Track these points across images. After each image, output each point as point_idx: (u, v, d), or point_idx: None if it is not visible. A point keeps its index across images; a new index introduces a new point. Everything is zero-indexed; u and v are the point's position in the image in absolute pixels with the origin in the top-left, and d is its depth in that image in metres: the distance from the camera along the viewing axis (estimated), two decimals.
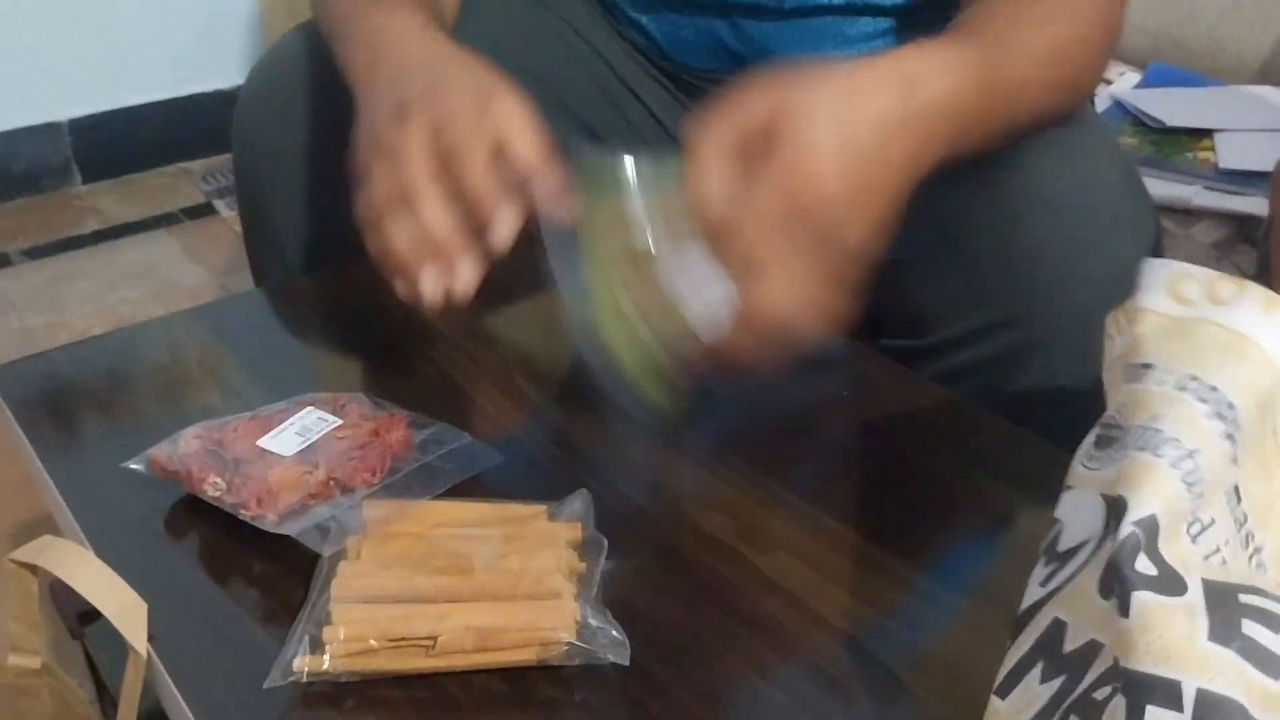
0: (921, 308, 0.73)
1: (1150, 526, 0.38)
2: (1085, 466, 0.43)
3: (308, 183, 0.86)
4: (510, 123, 0.61)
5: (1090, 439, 0.45)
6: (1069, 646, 0.41)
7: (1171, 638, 0.36)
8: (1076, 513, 0.42)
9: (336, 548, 0.53)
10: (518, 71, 0.87)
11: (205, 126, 2.34)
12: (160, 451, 0.60)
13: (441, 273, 0.60)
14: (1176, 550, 0.39)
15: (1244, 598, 0.38)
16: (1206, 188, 1.08)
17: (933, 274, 0.72)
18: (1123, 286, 0.67)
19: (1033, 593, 0.44)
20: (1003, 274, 0.68)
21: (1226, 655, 0.36)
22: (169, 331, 0.81)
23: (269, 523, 0.55)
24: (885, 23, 0.84)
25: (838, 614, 0.54)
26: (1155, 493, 0.39)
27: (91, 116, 2.22)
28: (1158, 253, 0.72)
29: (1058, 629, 0.41)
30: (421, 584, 0.51)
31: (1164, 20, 1.36)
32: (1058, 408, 0.64)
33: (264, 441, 0.60)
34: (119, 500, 0.61)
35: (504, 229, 0.61)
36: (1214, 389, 0.40)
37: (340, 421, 0.61)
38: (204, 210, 2.16)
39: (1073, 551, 0.43)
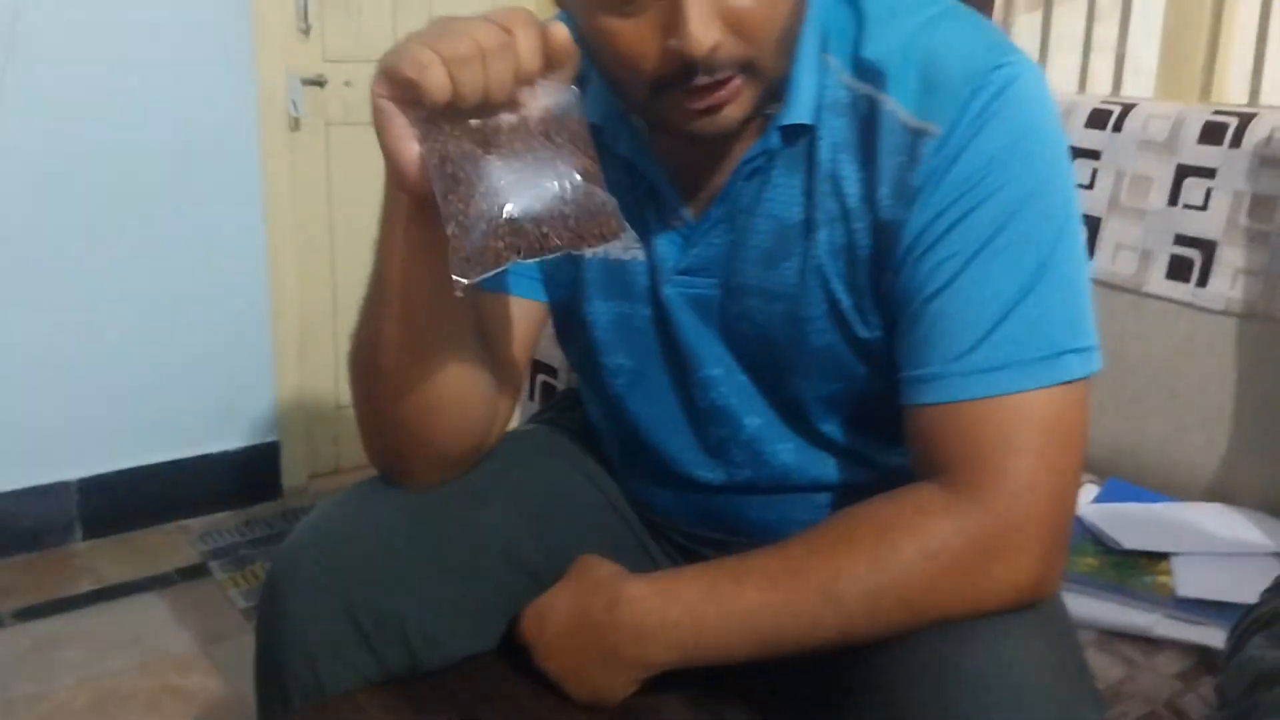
0: None
1: None
2: None
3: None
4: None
5: None
6: None
7: None
8: None
9: None
10: (537, 516, 0.95)
11: (208, 486, 2.42)
12: None
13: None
14: None
15: None
16: (1166, 616, 1.12)
17: None
18: None
19: None
20: None
21: None
22: None
23: None
24: (847, 496, 0.92)
25: None
26: None
27: (99, 476, 2.31)
28: None
29: None
30: None
31: (1118, 434, 1.45)
32: None
33: None
34: None
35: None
36: None
37: None
38: (198, 571, 2.20)
39: None
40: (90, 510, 2.30)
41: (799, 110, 0.81)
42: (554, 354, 1.52)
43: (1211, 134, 1.41)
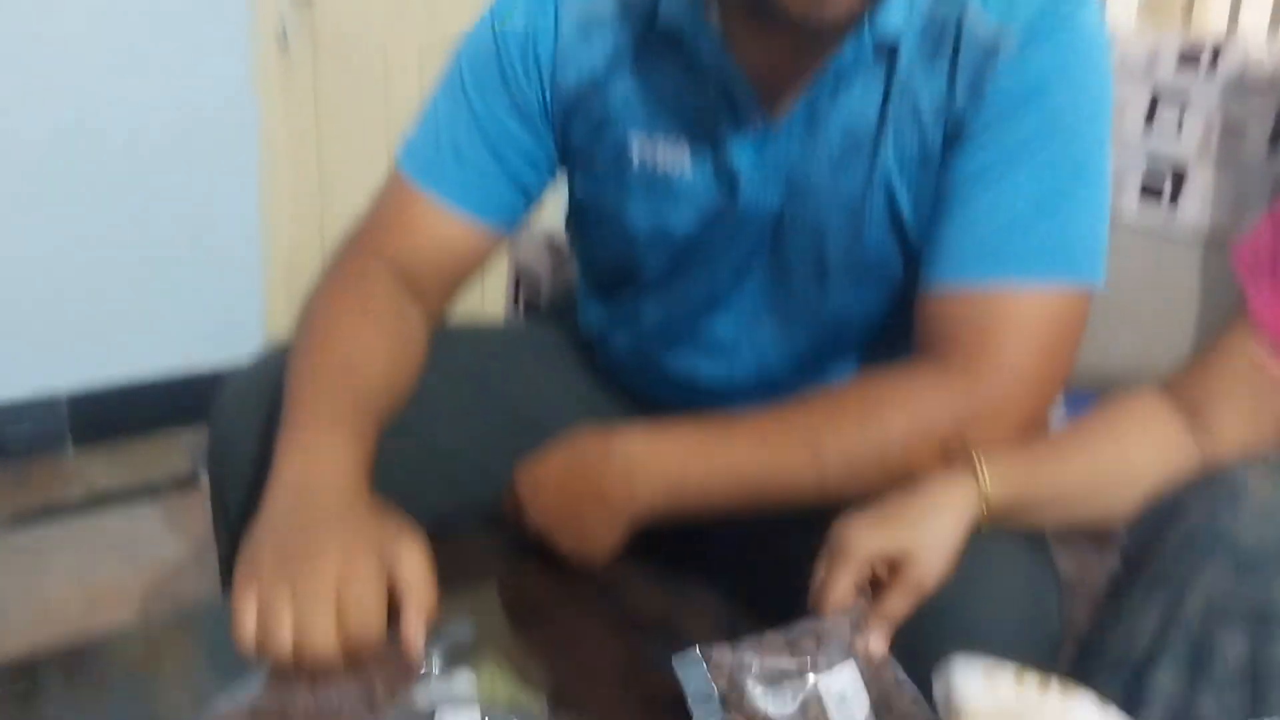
0: None
1: None
2: None
3: None
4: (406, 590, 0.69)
5: None
6: None
7: None
8: None
9: None
10: (491, 396, 0.98)
11: (200, 398, 2.44)
12: None
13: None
14: None
15: None
16: None
17: None
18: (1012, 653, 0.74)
19: None
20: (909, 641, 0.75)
21: None
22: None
23: None
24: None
25: None
26: None
27: (89, 388, 2.34)
28: (1061, 621, 0.80)
29: None
30: None
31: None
32: None
33: None
34: None
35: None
36: None
37: None
38: (189, 480, 2.24)
39: None
40: (81, 421, 2.33)
41: (887, 26, 0.84)
42: (537, 268, 1.55)
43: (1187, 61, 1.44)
